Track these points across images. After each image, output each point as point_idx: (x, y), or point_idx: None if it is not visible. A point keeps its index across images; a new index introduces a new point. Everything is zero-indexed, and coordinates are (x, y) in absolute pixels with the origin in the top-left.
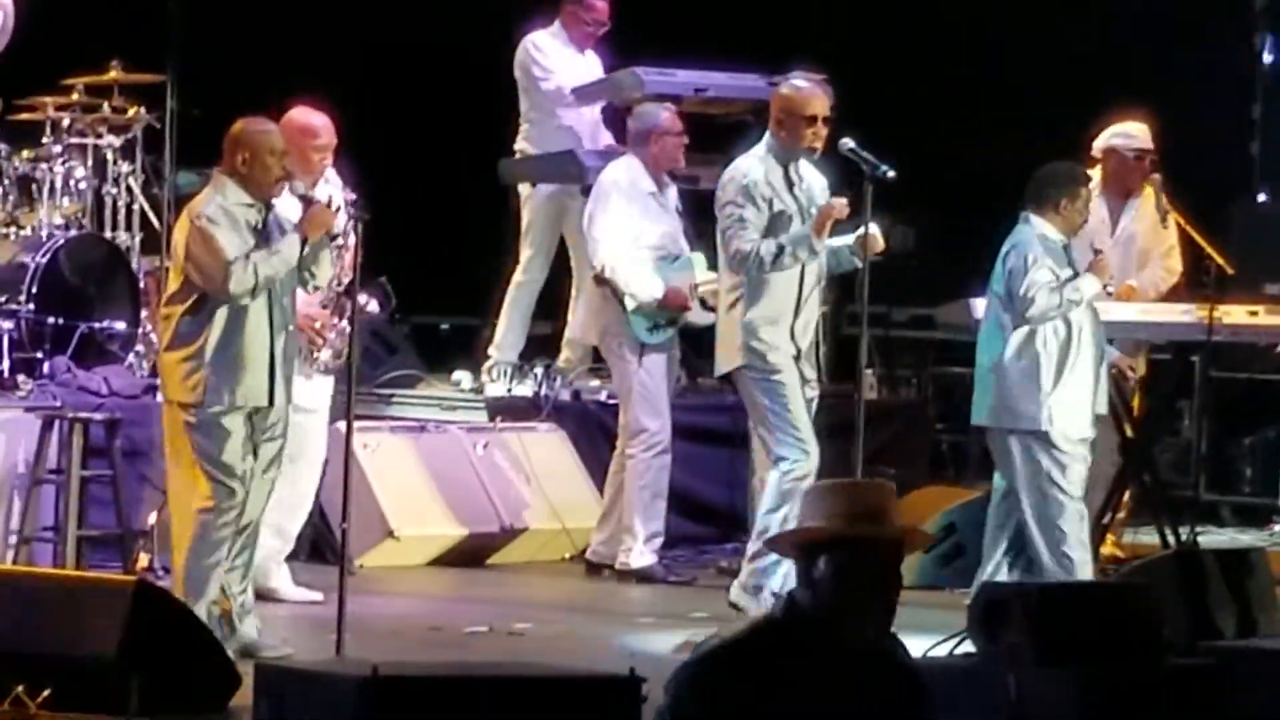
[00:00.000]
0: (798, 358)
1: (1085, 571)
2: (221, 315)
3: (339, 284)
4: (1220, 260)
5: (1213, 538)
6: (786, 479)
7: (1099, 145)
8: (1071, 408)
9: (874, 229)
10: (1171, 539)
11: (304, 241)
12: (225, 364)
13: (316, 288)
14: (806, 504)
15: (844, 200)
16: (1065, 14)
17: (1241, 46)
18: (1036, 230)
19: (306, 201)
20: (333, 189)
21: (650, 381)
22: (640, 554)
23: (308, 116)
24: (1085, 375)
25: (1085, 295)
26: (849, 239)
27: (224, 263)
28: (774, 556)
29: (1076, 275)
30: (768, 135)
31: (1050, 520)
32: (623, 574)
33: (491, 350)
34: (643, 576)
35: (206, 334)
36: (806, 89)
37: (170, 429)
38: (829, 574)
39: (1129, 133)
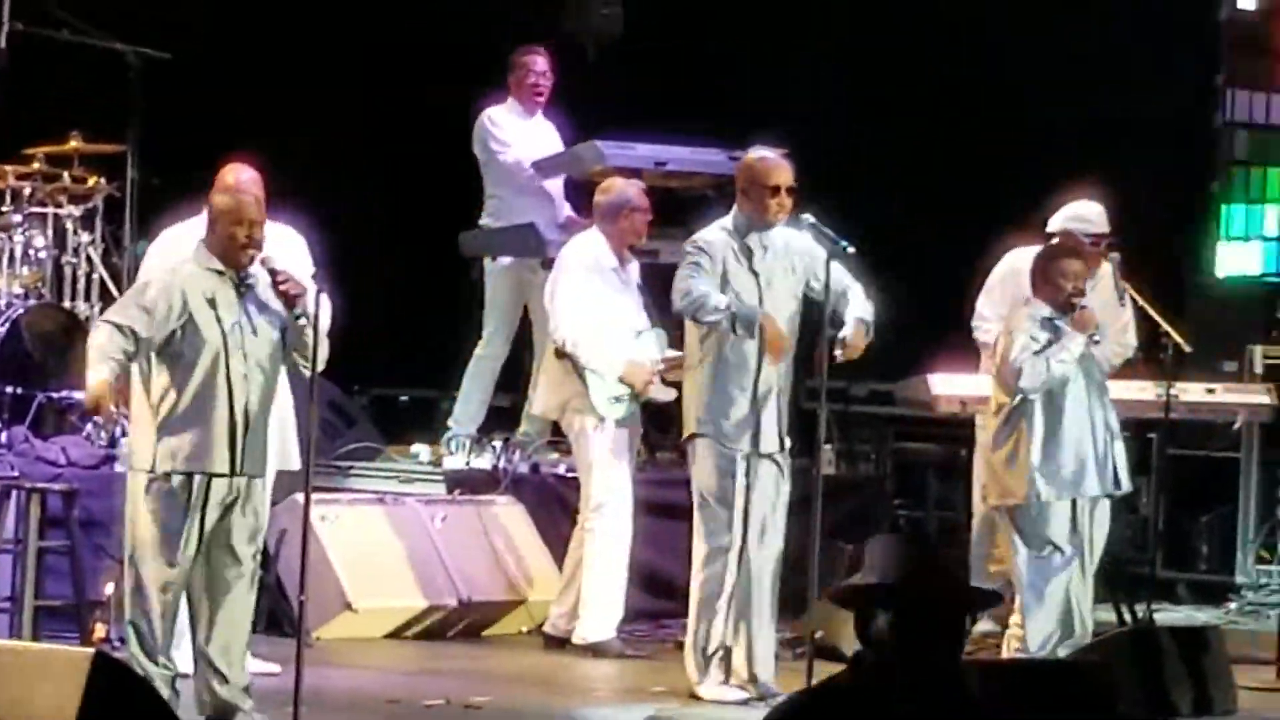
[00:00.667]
0: (757, 429)
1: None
2: (167, 379)
3: None
4: (1178, 337)
5: (1169, 615)
6: (710, 560)
7: (1054, 225)
8: (1058, 476)
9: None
10: (1128, 616)
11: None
12: (179, 429)
13: (307, 366)
14: (867, 557)
15: (790, 344)
16: (1023, 88)
17: (1201, 123)
18: (1030, 310)
19: (273, 273)
20: (285, 247)
21: (611, 456)
22: (598, 628)
23: (233, 171)
24: (1070, 443)
25: (1072, 351)
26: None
27: (109, 314)
28: (717, 621)
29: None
30: (735, 207)
31: (1046, 588)
32: (581, 648)
33: (450, 423)
34: (601, 650)
35: (162, 399)
36: (771, 160)
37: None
38: (887, 630)
39: (1085, 216)
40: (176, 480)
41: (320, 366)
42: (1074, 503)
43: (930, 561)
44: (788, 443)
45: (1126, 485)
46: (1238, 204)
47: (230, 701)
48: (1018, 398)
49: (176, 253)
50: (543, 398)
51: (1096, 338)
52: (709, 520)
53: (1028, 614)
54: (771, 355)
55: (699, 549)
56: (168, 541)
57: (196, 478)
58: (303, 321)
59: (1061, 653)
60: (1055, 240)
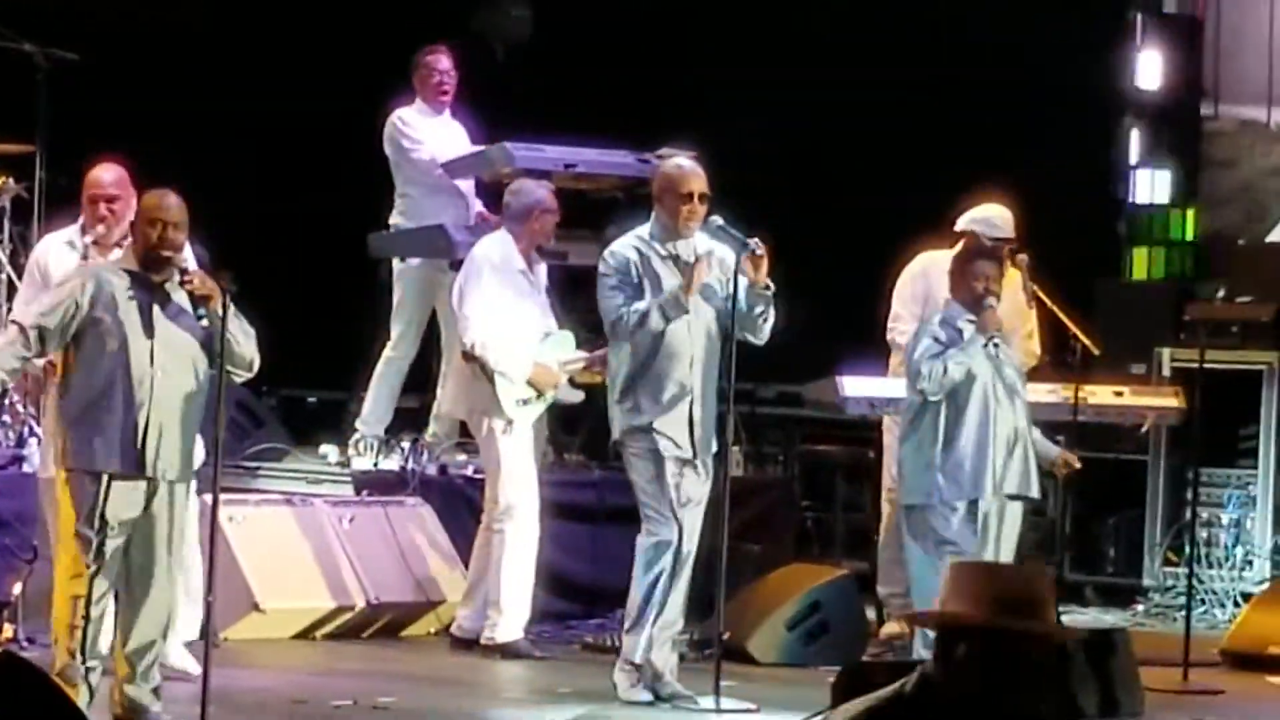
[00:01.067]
0: (678, 433)
1: None
2: (73, 378)
3: None
4: (1086, 340)
5: (1076, 617)
6: (654, 552)
7: (961, 225)
8: (957, 476)
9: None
10: None
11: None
12: (83, 427)
13: (237, 375)
14: (953, 581)
15: (705, 268)
16: (932, 89)
17: (1107, 128)
18: (943, 311)
19: (182, 273)
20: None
21: (518, 457)
22: (506, 629)
23: (95, 169)
24: (970, 444)
25: (969, 354)
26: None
27: (17, 311)
28: (644, 634)
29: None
30: (653, 215)
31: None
32: (489, 649)
33: (359, 424)
34: (508, 652)
35: (68, 397)
36: (686, 167)
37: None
38: (968, 662)
39: (991, 221)
40: (83, 478)
41: (250, 373)
42: (976, 504)
43: (1022, 598)
44: (713, 446)
45: (1034, 491)
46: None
47: (139, 702)
48: (920, 397)
49: (58, 259)
50: (451, 399)
51: (996, 340)
52: (648, 519)
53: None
54: (703, 270)
55: (642, 546)
56: (78, 538)
57: (104, 477)
58: (205, 323)
59: None
60: (964, 241)
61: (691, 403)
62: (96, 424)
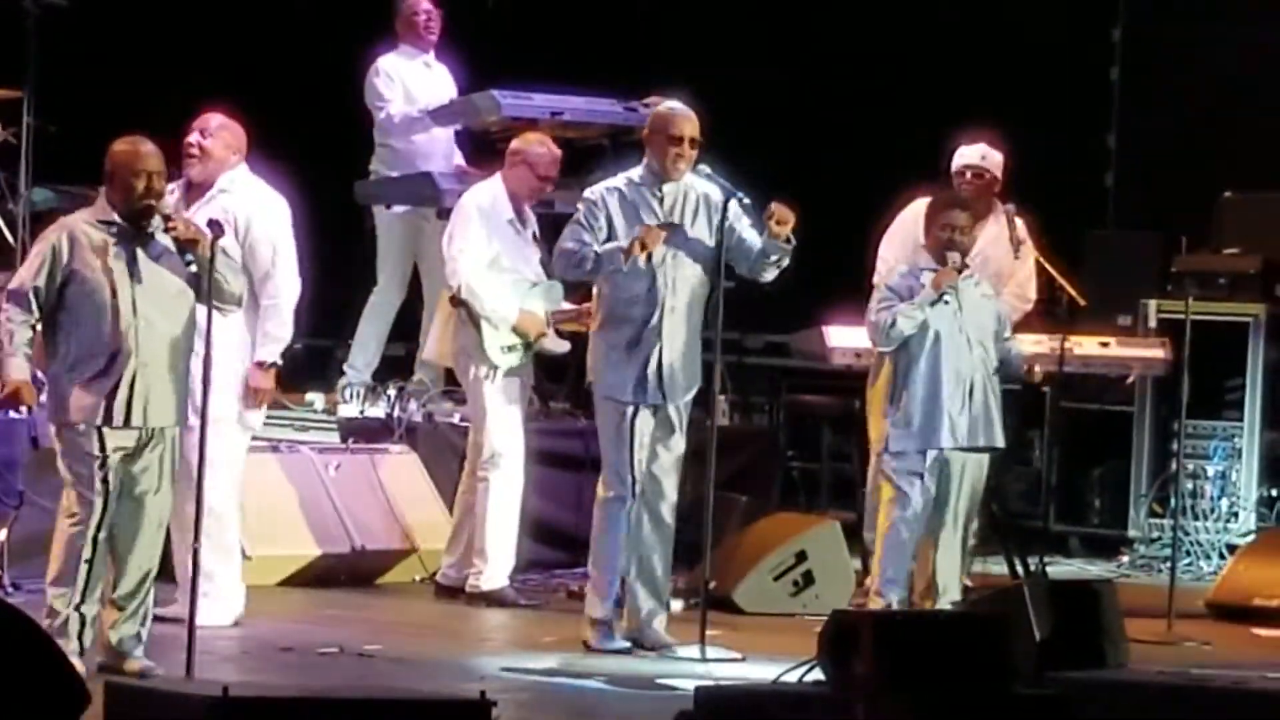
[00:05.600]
0: (648, 382)
1: (901, 598)
2: (70, 331)
3: None
4: (1073, 291)
5: (1061, 568)
6: (608, 508)
7: (954, 168)
8: (909, 428)
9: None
10: (1020, 569)
11: None
12: (73, 381)
13: (222, 308)
14: None
15: (661, 233)
16: (921, 40)
17: (1096, 76)
18: (911, 260)
19: (166, 219)
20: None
21: (504, 405)
22: (491, 577)
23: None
24: (922, 396)
25: (918, 306)
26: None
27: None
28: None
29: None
30: (644, 158)
31: (887, 545)
32: (474, 597)
33: (346, 368)
34: (493, 600)
35: (56, 349)
36: (679, 111)
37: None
38: None
39: (965, 155)
40: (75, 431)
41: (239, 307)
42: (924, 455)
43: None
44: (687, 394)
45: (997, 440)
46: None
47: (123, 647)
48: (881, 353)
49: None
50: (437, 345)
51: (947, 298)
52: (609, 475)
53: (881, 559)
54: (650, 243)
55: (597, 509)
56: (75, 488)
57: (94, 429)
58: (193, 267)
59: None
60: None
61: (681, 347)
62: (83, 378)
